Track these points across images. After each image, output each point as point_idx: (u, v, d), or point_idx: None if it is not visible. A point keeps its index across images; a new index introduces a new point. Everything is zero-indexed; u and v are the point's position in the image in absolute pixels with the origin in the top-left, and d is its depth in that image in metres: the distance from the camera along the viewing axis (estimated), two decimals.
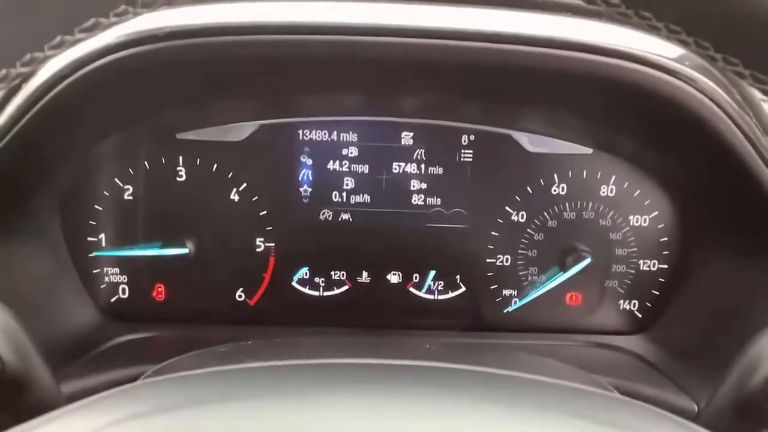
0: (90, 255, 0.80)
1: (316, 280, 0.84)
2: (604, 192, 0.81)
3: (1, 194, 0.66)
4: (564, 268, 0.82)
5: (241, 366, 0.43)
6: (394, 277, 0.85)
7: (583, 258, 0.81)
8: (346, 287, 0.84)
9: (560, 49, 0.62)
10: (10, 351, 0.48)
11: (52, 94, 0.61)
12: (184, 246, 0.80)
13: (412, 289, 0.85)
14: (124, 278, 0.82)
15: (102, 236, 0.80)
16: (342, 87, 0.76)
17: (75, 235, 0.79)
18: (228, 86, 0.71)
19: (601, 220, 0.82)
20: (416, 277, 0.84)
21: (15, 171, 0.66)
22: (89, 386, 0.66)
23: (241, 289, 0.83)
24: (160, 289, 0.82)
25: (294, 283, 0.84)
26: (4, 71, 0.29)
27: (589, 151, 0.80)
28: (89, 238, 0.80)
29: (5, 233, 0.69)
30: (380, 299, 0.85)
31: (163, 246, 0.80)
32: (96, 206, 0.79)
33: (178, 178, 0.80)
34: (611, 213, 0.82)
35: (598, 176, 0.81)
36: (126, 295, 0.82)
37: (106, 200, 0.79)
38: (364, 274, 0.84)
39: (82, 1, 0.29)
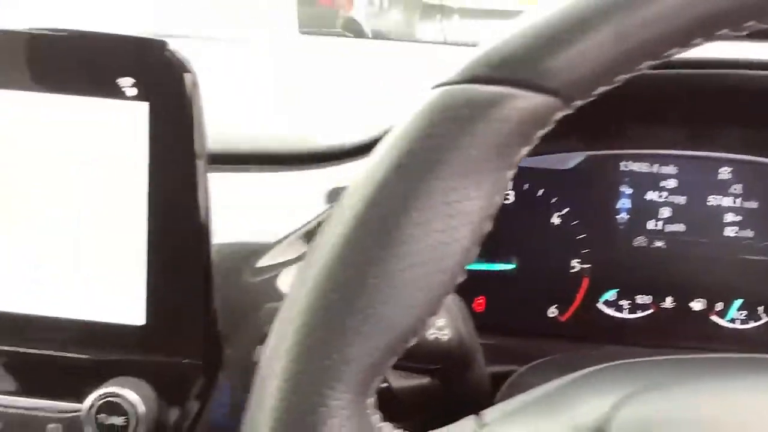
0: None
1: (621, 302, 0.89)
2: None
3: None
4: None
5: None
6: (697, 305, 0.89)
7: None
8: (650, 311, 0.89)
9: None
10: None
11: None
12: (510, 262, 0.86)
13: (714, 318, 0.89)
14: None
15: None
16: (672, 119, 0.81)
17: None
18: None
19: None
20: (720, 305, 0.89)
21: None
22: None
23: (554, 305, 0.89)
24: (480, 301, 0.88)
25: (600, 304, 0.89)
26: None
27: None
28: None
29: None
30: (681, 324, 0.89)
31: (488, 261, 0.87)
32: None
33: (505, 201, 0.86)
34: None
35: None
36: None
37: None
38: (668, 299, 0.89)
39: None
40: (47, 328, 0.61)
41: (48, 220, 0.60)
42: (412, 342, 0.34)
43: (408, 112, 0.35)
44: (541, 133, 0.33)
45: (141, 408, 0.58)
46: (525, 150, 0.34)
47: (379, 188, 0.33)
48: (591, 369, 0.41)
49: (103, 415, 0.59)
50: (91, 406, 0.59)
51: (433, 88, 0.34)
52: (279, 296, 0.64)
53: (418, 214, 0.32)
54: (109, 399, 0.59)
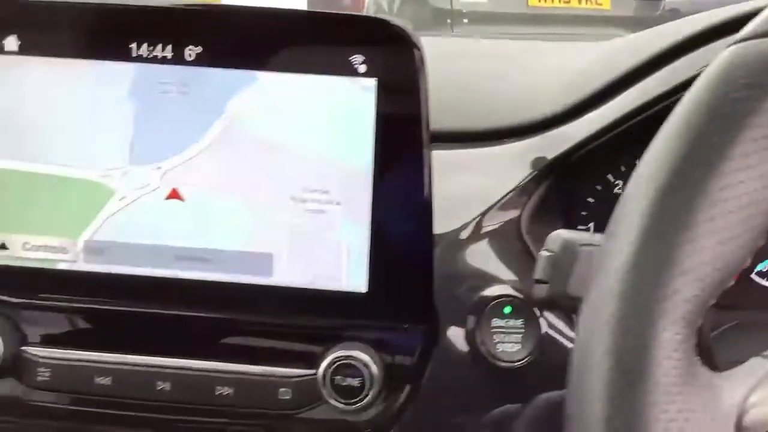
0: None
1: None
2: None
3: None
4: None
5: None
6: None
7: None
8: None
9: None
10: None
11: None
12: None
13: None
14: None
15: None
16: None
17: None
18: None
19: None
20: None
21: None
22: None
23: None
24: None
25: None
26: None
27: None
28: None
29: None
30: None
31: None
32: None
33: None
34: None
35: None
36: None
37: None
38: None
39: None
40: (276, 298, 0.64)
41: (278, 193, 0.63)
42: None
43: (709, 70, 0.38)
44: None
45: (374, 369, 0.62)
46: None
47: (696, 138, 0.37)
48: None
49: (339, 377, 0.62)
50: (327, 369, 0.62)
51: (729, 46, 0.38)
52: (490, 264, 0.68)
53: (740, 159, 0.36)
54: (345, 361, 0.62)
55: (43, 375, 0.64)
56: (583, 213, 0.86)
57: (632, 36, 0.84)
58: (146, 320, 0.65)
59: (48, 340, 0.65)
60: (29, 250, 0.64)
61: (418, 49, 0.60)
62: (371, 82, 0.61)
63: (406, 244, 0.63)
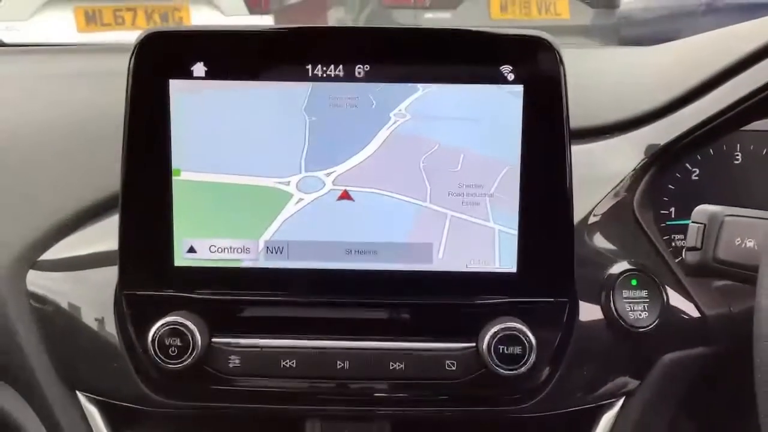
0: None
1: None
2: None
3: None
4: None
5: None
6: None
7: None
8: None
9: None
10: None
11: None
12: None
13: None
14: None
15: None
16: None
17: None
18: None
19: None
20: None
21: None
22: None
23: None
24: None
25: None
26: None
27: None
28: None
29: None
30: None
31: None
32: None
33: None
34: None
35: None
36: None
37: None
38: None
39: None
40: (437, 282, 0.72)
41: (437, 190, 0.72)
42: None
43: None
44: None
45: (532, 338, 0.71)
46: None
47: None
48: None
49: (503, 347, 0.71)
50: (492, 340, 0.71)
51: None
52: (611, 244, 0.78)
53: None
54: (507, 333, 0.71)
55: (234, 362, 0.71)
56: (665, 198, 0.97)
57: (711, 34, 0.94)
58: (323, 308, 0.73)
59: (236, 331, 0.72)
60: (215, 252, 0.72)
61: (560, 57, 0.70)
62: (518, 88, 0.71)
63: (551, 228, 0.72)
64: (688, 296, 0.78)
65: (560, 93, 0.70)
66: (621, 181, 0.80)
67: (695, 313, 0.78)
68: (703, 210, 0.67)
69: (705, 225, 0.66)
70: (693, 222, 0.68)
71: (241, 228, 0.72)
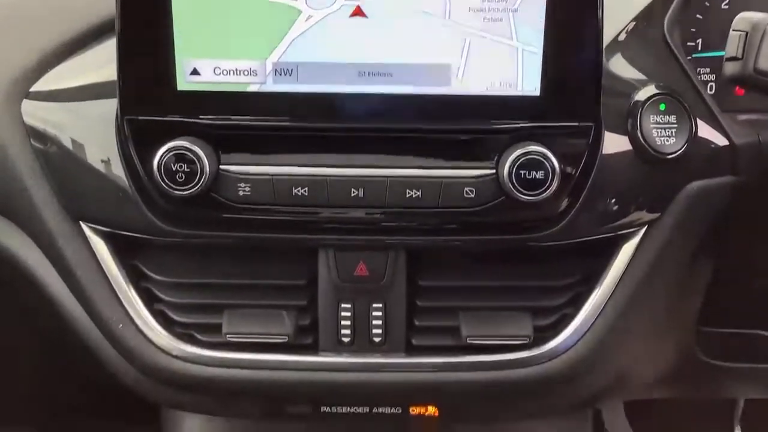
0: None
1: None
2: None
3: None
4: None
5: None
6: None
7: None
8: None
9: None
10: None
11: None
12: None
13: None
14: None
15: None
16: None
17: None
18: None
19: None
20: None
21: None
22: None
23: None
24: None
25: None
26: None
27: None
28: None
29: None
30: None
31: None
32: None
33: None
34: None
35: None
36: None
37: None
38: None
39: None
40: (455, 105, 0.68)
41: (457, 4, 0.66)
42: None
43: None
44: None
45: (557, 165, 0.68)
46: None
47: None
48: None
49: (524, 171, 0.68)
50: (513, 165, 0.68)
51: None
52: (639, 68, 0.73)
53: None
54: (529, 157, 0.68)
55: (244, 189, 0.69)
56: (692, 30, 0.92)
57: None
58: (335, 134, 0.69)
59: (244, 159, 0.69)
60: (220, 74, 0.68)
61: None
62: None
63: (578, 47, 0.68)
64: (716, 124, 0.74)
65: None
66: (650, 3, 0.74)
67: (724, 142, 0.75)
68: (746, 17, 0.62)
69: (747, 33, 0.62)
70: (734, 30, 0.63)
71: (247, 48, 0.67)
